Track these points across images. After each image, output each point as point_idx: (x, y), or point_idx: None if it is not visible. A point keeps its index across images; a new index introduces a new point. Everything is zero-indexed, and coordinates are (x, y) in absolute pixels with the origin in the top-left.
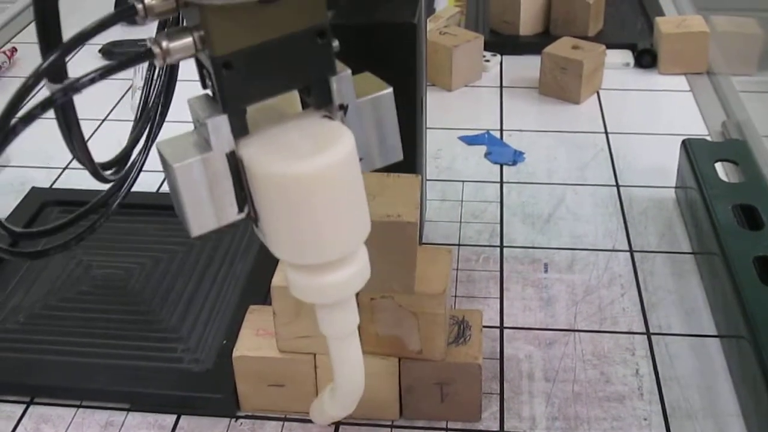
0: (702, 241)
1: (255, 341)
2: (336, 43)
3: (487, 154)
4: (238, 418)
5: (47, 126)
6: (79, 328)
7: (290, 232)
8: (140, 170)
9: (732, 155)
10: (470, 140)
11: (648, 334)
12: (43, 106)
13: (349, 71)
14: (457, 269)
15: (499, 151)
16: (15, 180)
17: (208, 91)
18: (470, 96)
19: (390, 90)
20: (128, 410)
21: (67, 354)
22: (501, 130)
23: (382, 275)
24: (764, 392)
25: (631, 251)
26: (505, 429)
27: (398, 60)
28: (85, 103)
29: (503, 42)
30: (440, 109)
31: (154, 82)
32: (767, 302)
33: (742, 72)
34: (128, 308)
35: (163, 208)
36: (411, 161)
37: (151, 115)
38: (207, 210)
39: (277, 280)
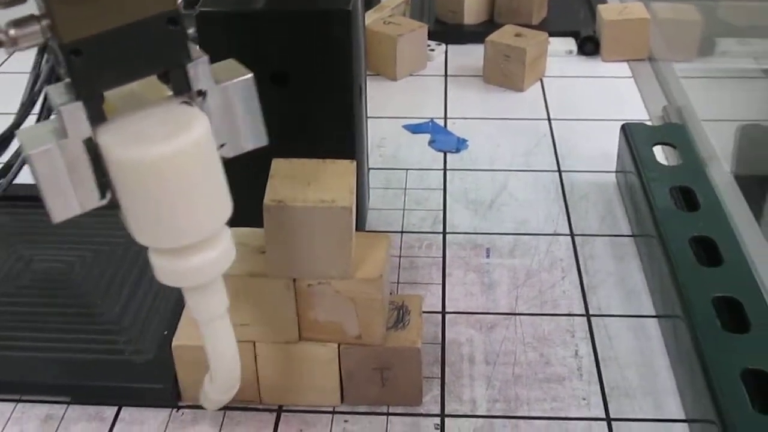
0: (641, 224)
1: (195, 331)
2: (192, 30)
3: (431, 142)
4: (179, 408)
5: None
6: (19, 322)
7: (148, 216)
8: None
9: (670, 138)
10: (414, 129)
11: (588, 315)
12: None
13: (206, 57)
14: (400, 256)
15: (443, 138)
16: None
17: (67, 79)
18: (415, 85)
19: (250, 75)
20: (68, 403)
21: (6, 348)
22: (445, 118)
23: (319, 261)
24: (699, 370)
25: (572, 235)
26: (446, 412)
27: (334, 48)
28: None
29: (448, 31)
30: (385, 99)
31: (42, 66)
32: (702, 282)
33: (682, 58)
34: (69, 301)
35: None
36: (350, 149)
37: (35, 100)
38: (68, 196)
39: None
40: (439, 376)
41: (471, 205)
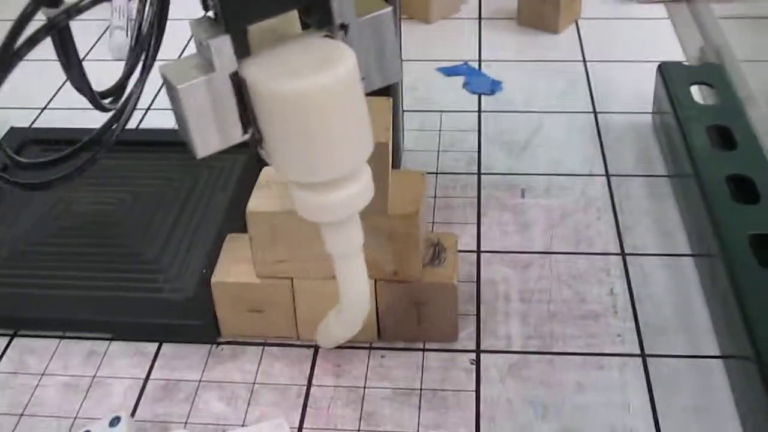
0: (677, 164)
1: (234, 268)
2: None
3: (465, 85)
4: (218, 344)
5: (25, 66)
6: (62, 262)
7: (297, 150)
8: (138, 100)
9: (708, 78)
10: (448, 71)
11: (623, 254)
12: (46, 30)
13: None
14: (435, 197)
15: (477, 81)
16: None
17: (210, 14)
18: (449, 28)
19: (390, 9)
20: (111, 340)
21: (49, 287)
22: (479, 60)
23: None
24: (735, 308)
25: (608, 176)
26: (482, 348)
27: None
28: None
29: None
30: (418, 42)
31: (146, 11)
32: (739, 220)
33: None
34: (109, 242)
35: (142, 144)
36: (384, 89)
37: (145, 45)
38: (212, 131)
39: (252, 205)
40: (475, 313)
41: (506, 147)
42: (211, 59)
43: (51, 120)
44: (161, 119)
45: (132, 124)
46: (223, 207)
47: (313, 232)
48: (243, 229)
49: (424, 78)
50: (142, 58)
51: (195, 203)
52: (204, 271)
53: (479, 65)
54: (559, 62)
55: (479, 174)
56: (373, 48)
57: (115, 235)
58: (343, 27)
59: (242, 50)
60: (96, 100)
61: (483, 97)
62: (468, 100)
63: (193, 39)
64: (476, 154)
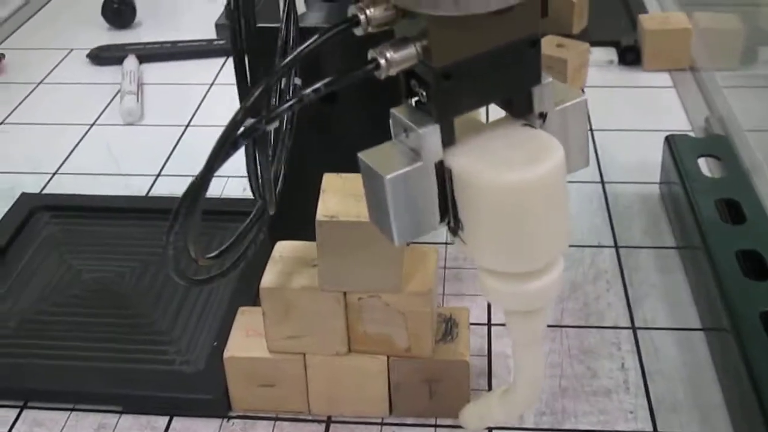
0: (686, 236)
1: (245, 342)
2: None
3: None
4: (230, 418)
5: (36, 131)
6: (71, 332)
7: (500, 240)
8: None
9: (715, 150)
10: None
11: (633, 328)
12: (244, 136)
13: (551, 79)
14: (445, 267)
15: None
16: (4, 185)
17: (413, 101)
18: None
19: (585, 98)
20: (121, 412)
21: (59, 358)
22: None
23: (370, 275)
24: (747, 383)
25: (617, 247)
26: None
27: None
28: (73, 108)
29: None
30: None
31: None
32: (749, 295)
33: (724, 67)
34: (119, 312)
35: (151, 211)
36: None
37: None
38: (411, 219)
39: (266, 281)
40: (486, 388)
41: None
42: (418, 149)
43: (62, 184)
44: (170, 186)
45: (141, 191)
46: (234, 279)
47: (326, 309)
48: (253, 302)
49: None
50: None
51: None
52: (215, 343)
53: None
54: None
55: None
56: (567, 136)
57: (125, 304)
58: (542, 116)
59: (448, 139)
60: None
61: None
62: None
63: (391, 126)
64: None
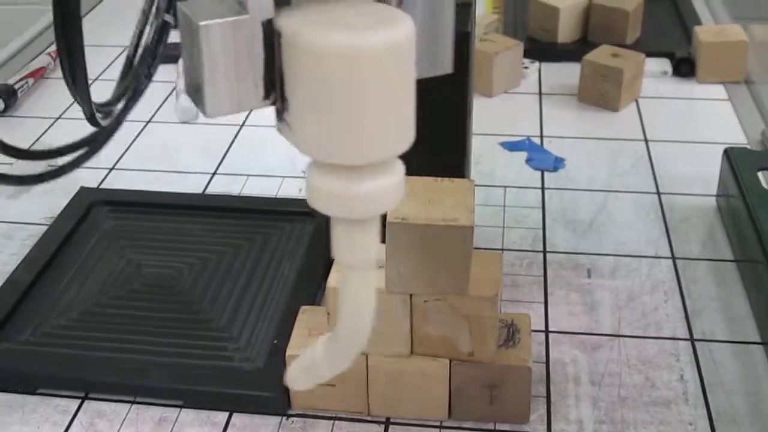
0: (745, 250)
1: (307, 340)
2: None
3: (528, 160)
4: (289, 416)
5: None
6: (131, 326)
7: (329, 123)
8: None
9: None
10: (511, 146)
11: (692, 340)
12: None
13: None
14: (503, 274)
15: (540, 157)
16: (63, 178)
17: None
18: (510, 102)
19: None
20: (181, 407)
21: (120, 351)
22: (541, 136)
23: (437, 278)
24: None
25: (674, 258)
26: (553, 431)
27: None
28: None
29: (541, 49)
30: (481, 115)
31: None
32: None
33: None
34: (178, 307)
35: (208, 209)
36: (460, 167)
37: (140, 72)
38: (227, 88)
39: (331, 281)
40: (545, 395)
41: (570, 225)
42: (245, 1)
43: (119, 179)
44: (227, 185)
45: (198, 189)
46: (292, 278)
47: (391, 311)
48: (312, 301)
49: (487, 152)
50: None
51: (263, 272)
52: (275, 341)
53: (541, 141)
54: (620, 140)
55: (545, 252)
56: (428, 30)
57: (184, 300)
58: None
59: None
60: (93, 116)
61: (546, 173)
62: (531, 176)
63: None
64: (541, 232)
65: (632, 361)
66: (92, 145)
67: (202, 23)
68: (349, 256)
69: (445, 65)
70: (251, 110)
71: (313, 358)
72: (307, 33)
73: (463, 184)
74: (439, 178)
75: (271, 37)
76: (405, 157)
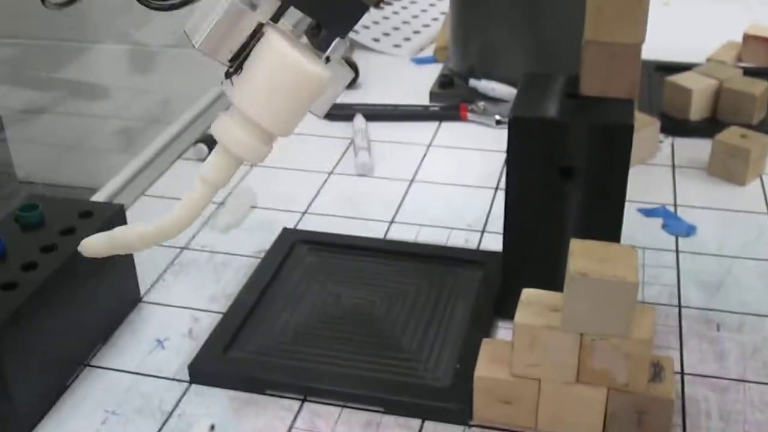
0: None
1: (491, 366)
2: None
3: (663, 226)
4: (470, 426)
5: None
6: (336, 345)
7: (266, 95)
8: None
9: None
10: (647, 212)
11: None
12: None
13: (348, 44)
14: (654, 323)
15: (674, 223)
16: (264, 219)
17: None
18: (646, 173)
19: (352, 74)
20: (383, 413)
21: (330, 364)
22: (675, 204)
23: (605, 322)
24: None
25: None
26: None
27: (616, 152)
28: (312, 159)
29: (674, 125)
30: None
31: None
32: None
33: None
34: (373, 333)
35: (392, 252)
36: (616, 234)
37: None
38: (217, 40)
39: (519, 317)
40: (681, 424)
41: (701, 285)
42: (257, 3)
43: (311, 222)
44: (404, 232)
45: (378, 234)
46: (467, 315)
47: (564, 346)
48: (485, 335)
49: (627, 217)
50: None
51: (442, 309)
52: (457, 365)
53: (675, 209)
54: (746, 212)
55: (680, 307)
56: (331, 90)
57: (378, 327)
58: (327, 59)
59: (277, 18)
60: None
61: (679, 238)
62: (666, 240)
63: None
64: (676, 289)
65: (756, 402)
66: None
67: (232, 2)
68: (213, 174)
69: (321, 111)
70: (216, 61)
71: (124, 236)
72: (281, 43)
73: (628, 250)
74: (608, 243)
75: (256, 33)
76: (569, 223)
